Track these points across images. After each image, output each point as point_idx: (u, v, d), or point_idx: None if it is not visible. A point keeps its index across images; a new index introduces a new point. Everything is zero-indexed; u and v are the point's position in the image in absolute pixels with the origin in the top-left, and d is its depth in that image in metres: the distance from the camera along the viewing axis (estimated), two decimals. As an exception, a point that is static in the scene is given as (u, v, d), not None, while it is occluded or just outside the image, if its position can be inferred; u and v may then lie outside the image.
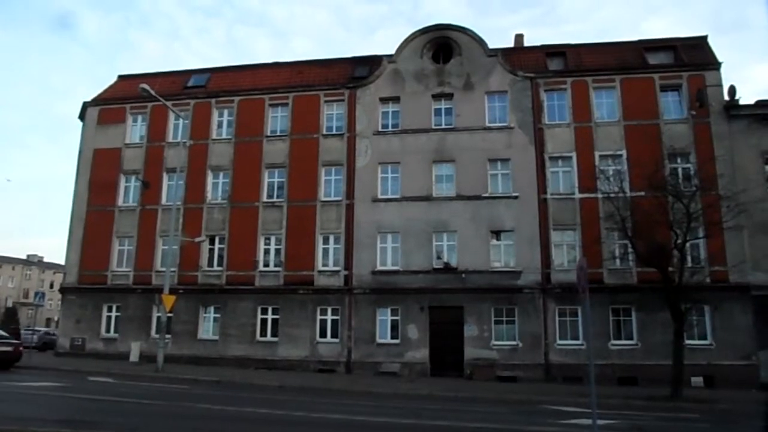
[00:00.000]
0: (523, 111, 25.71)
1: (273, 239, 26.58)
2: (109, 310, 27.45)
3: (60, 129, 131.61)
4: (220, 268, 26.69)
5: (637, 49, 26.67)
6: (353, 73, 28.29)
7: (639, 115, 24.63)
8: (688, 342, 19.88)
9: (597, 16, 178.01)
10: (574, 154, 24.97)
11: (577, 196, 24.32)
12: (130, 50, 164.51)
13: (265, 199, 27.04)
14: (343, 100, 27.48)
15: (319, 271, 25.72)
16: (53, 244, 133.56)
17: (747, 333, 21.75)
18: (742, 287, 22.13)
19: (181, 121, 26.87)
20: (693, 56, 25.50)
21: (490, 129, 25.82)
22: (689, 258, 20.09)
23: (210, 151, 28.11)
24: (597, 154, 24.52)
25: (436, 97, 26.64)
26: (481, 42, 26.96)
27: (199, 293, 26.31)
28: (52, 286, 69.92)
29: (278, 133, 27.81)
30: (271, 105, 28.22)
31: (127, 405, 12.68)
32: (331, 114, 27.63)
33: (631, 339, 22.85)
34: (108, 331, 27.27)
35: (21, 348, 20.50)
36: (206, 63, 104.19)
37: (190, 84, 29.86)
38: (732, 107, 24.15)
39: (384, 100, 27.14)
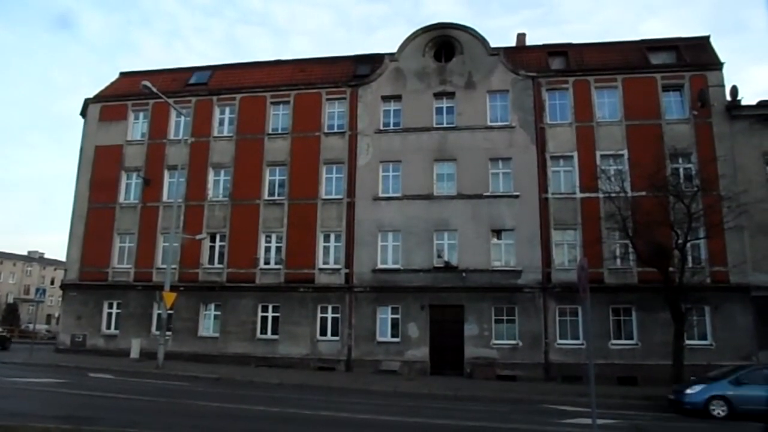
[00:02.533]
0: (524, 110, 25.68)
1: (274, 237, 26.59)
2: (110, 306, 27.48)
3: (61, 126, 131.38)
4: (220, 266, 26.71)
5: (640, 48, 26.62)
6: (355, 71, 28.24)
7: (641, 114, 24.59)
8: (688, 342, 19.91)
9: (597, 17, 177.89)
10: (575, 154, 24.94)
11: (578, 195, 24.30)
12: (131, 49, 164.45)
13: (266, 196, 27.03)
14: (344, 98, 27.45)
15: (320, 269, 25.72)
16: (54, 240, 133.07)
17: (747, 334, 21.73)
18: (743, 288, 22.11)
19: (182, 118, 26.93)
20: (695, 56, 25.45)
21: (491, 128, 25.79)
22: (690, 258, 20.11)
23: (211, 149, 28.11)
24: (598, 153, 24.47)
25: (438, 95, 26.61)
26: (482, 41, 26.92)
27: (200, 290, 26.33)
28: (53, 282, 69.89)
29: (279, 131, 27.78)
30: (272, 102, 28.20)
31: (126, 402, 12.74)
32: (333, 112, 27.60)
33: (631, 339, 22.83)
34: (108, 327, 27.31)
35: None
36: (207, 61, 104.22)
37: (191, 81, 29.81)
38: (734, 108, 24.09)
39: (386, 99, 27.11)
